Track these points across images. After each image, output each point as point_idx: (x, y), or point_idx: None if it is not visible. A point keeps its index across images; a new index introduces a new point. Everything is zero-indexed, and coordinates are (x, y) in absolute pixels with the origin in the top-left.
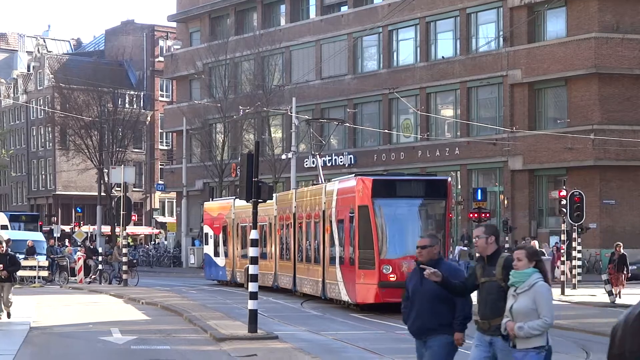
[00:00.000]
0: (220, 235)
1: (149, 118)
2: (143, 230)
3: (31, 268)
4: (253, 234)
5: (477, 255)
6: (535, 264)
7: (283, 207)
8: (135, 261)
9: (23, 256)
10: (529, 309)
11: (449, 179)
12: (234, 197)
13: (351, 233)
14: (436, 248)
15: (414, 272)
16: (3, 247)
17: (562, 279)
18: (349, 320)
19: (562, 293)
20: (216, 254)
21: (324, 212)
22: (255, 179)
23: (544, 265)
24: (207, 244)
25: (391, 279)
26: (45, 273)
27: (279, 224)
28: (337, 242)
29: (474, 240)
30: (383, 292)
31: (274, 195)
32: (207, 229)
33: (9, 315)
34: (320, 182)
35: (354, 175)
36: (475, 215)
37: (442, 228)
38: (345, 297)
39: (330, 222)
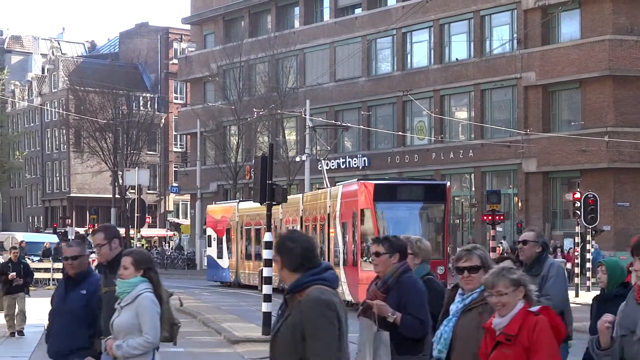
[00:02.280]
0: (224, 238)
1: (163, 120)
2: (157, 232)
3: (46, 270)
4: (267, 237)
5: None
6: (144, 273)
7: (290, 211)
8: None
9: (38, 258)
10: (130, 324)
11: (448, 183)
12: (238, 200)
13: (354, 235)
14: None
15: (60, 284)
16: (17, 253)
17: (575, 282)
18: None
19: (576, 295)
20: (219, 255)
21: (328, 215)
22: (269, 182)
23: (157, 275)
24: (209, 246)
25: None
26: (60, 275)
27: (284, 226)
28: (341, 243)
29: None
30: None
31: None
32: (210, 231)
33: (20, 333)
34: (325, 186)
35: (357, 179)
36: (489, 217)
37: (442, 231)
38: (348, 297)
39: (335, 224)
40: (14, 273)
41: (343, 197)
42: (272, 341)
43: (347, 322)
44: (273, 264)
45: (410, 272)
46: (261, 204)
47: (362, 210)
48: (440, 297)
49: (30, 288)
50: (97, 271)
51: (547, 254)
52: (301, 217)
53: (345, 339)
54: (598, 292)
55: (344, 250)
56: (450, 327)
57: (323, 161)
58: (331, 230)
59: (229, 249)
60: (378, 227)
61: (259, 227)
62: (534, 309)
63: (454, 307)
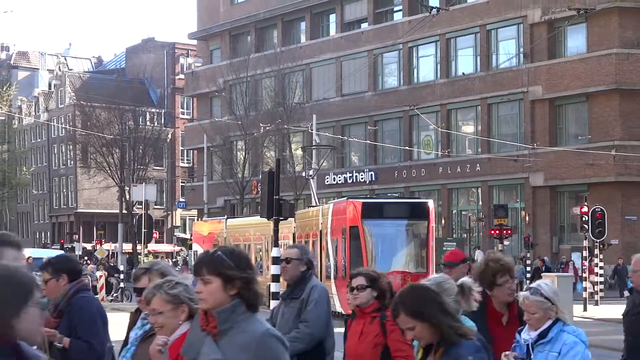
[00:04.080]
0: None
1: (169, 135)
2: (164, 247)
3: None
4: (274, 252)
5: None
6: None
7: (282, 228)
8: None
9: None
10: None
11: (430, 202)
12: (226, 217)
13: (343, 250)
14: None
15: None
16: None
17: (584, 296)
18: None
19: (585, 310)
20: None
21: (321, 231)
22: (277, 197)
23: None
24: None
25: None
26: None
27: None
28: (332, 258)
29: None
30: None
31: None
32: (196, 247)
33: None
34: (315, 204)
35: (346, 198)
36: (497, 231)
37: (426, 246)
38: (339, 308)
39: (326, 240)
40: None
41: (334, 215)
42: None
43: None
44: (281, 280)
45: (85, 292)
46: (268, 219)
47: (350, 227)
48: None
49: None
50: None
51: (312, 273)
52: (294, 234)
53: None
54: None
55: (334, 265)
56: (128, 357)
57: (311, 180)
58: (323, 245)
59: None
60: (366, 243)
61: (248, 242)
62: None
63: (132, 334)
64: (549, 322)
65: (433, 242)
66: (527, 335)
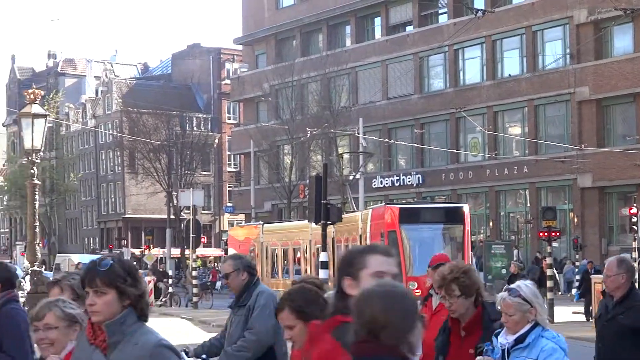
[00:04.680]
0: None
1: (216, 140)
2: (213, 252)
3: None
4: (322, 256)
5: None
6: None
7: (320, 232)
8: (208, 284)
9: None
10: None
11: (465, 206)
12: (262, 222)
13: None
14: None
15: None
16: None
17: None
18: None
19: None
20: None
21: (360, 236)
22: (324, 201)
23: None
24: None
25: (416, 293)
26: None
27: (314, 247)
28: None
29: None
30: None
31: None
32: (232, 252)
33: None
34: (352, 210)
35: (384, 204)
36: (545, 234)
37: (461, 249)
38: None
39: (366, 244)
40: None
41: (372, 220)
42: None
43: None
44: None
45: (14, 304)
46: (316, 224)
47: (389, 232)
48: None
49: None
50: None
51: (258, 280)
52: (333, 238)
53: None
54: None
55: None
56: None
57: (348, 186)
58: None
59: None
60: (403, 247)
61: (286, 247)
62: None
63: None
64: (528, 327)
65: (469, 246)
66: (504, 339)
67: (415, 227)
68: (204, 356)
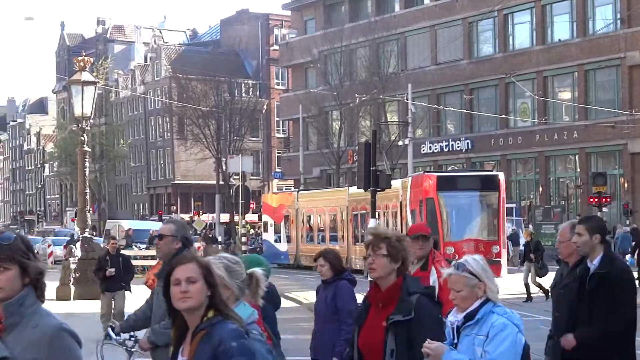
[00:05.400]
0: (282, 224)
1: (265, 107)
2: None
3: (152, 258)
4: (372, 223)
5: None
6: None
7: (358, 200)
8: (258, 250)
9: (145, 246)
10: None
11: (500, 174)
12: (296, 189)
13: (420, 220)
14: None
15: None
16: (115, 244)
17: None
18: None
19: None
20: (277, 240)
21: (401, 203)
22: (373, 168)
23: None
24: (266, 231)
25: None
26: None
27: (351, 213)
28: None
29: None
30: None
31: (347, 189)
32: (266, 218)
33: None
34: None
35: (422, 172)
36: (596, 199)
37: (496, 215)
38: None
39: (406, 211)
40: (112, 269)
41: (412, 187)
42: None
43: None
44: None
45: None
46: (365, 190)
47: (427, 199)
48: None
49: (130, 290)
50: None
51: (189, 248)
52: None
53: None
54: None
55: None
56: None
57: (385, 154)
58: (403, 216)
59: (288, 234)
60: (441, 213)
61: (322, 213)
62: None
63: None
64: (478, 303)
65: (503, 212)
66: (454, 317)
67: (452, 195)
68: (132, 333)
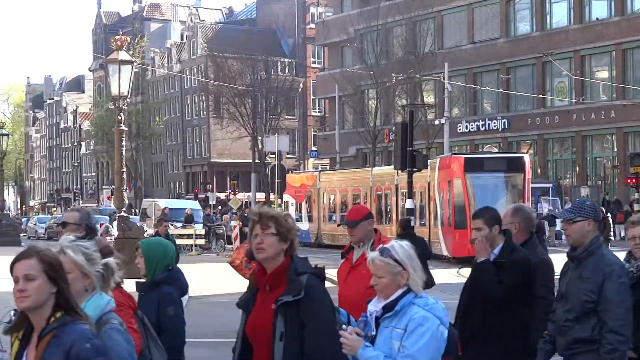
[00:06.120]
0: (304, 203)
1: (301, 85)
2: None
3: (188, 236)
4: (409, 204)
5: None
6: None
7: (382, 179)
8: None
9: (180, 225)
10: None
11: (526, 156)
12: (318, 169)
13: (449, 200)
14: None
15: None
16: (167, 227)
17: None
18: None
19: None
20: (298, 219)
21: (429, 183)
22: (410, 148)
23: None
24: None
25: None
26: (202, 241)
27: (375, 193)
28: (439, 207)
29: None
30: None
31: (371, 169)
32: (287, 197)
33: None
34: None
35: (451, 154)
36: (633, 180)
37: (522, 196)
38: (445, 252)
39: (434, 192)
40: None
41: (440, 169)
42: None
43: None
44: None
45: None
46: (402, 170)
47: (454, 180)
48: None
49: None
50: None
51: (93, 237)
52: (396, 186)
53: None
54: None
55: (441, 214)
56: None
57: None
58: (431, 196)
59: (309, 213)
60: (468, 194)
61: (345, 193)
62: None
63: None
64: (399, 292)
65: (529, 193)
66: (374, 306)
67: (479, 176)
68: None
